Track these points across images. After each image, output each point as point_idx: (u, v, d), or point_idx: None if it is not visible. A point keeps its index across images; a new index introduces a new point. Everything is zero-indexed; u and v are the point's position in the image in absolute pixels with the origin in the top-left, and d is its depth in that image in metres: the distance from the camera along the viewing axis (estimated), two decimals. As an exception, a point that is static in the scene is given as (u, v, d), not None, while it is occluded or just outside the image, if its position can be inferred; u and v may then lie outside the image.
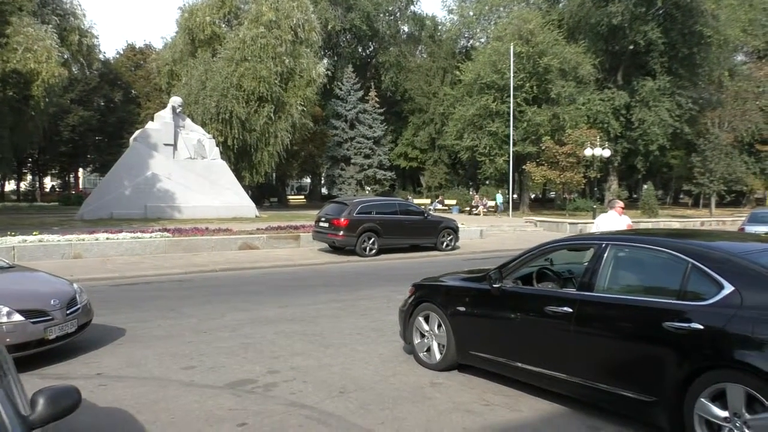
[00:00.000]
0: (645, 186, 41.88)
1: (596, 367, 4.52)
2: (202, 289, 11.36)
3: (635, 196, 55.37)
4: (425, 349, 6.13)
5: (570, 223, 25.48)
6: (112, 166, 27.62)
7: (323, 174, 52.99)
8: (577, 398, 4.81)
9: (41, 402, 2.26)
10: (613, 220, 9.61)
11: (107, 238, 16.02)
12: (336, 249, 17.38)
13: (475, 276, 5.88)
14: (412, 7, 55.74)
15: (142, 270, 13.56)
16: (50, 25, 29.00)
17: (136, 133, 27.12)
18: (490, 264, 13.80)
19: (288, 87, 34.92)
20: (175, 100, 27.48)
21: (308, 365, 6.20)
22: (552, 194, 58.29)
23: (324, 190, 57.71)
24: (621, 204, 9.98)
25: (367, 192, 42.25)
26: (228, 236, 17.90)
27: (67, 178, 70.25)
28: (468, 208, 37.37)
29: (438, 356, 5.95)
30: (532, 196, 53.00)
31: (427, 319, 6.13)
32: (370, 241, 16.83)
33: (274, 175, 44.49)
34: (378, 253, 16.92)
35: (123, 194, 24.97)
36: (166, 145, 26.42)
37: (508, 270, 5.42)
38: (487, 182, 42.19)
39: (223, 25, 36.92)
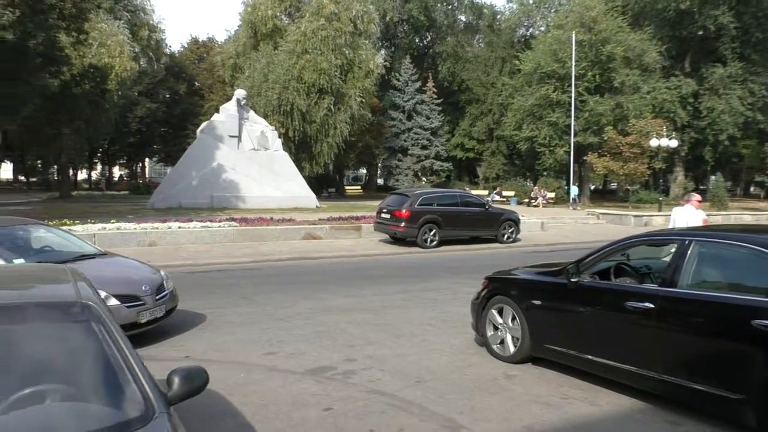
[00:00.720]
0: (713, 177, 40.25)
1: (679, 363, 4.51)
2: (271, 277, 11.75)
3: (702, 187, 53.31)
4: (498, 341, 6.22)
5: (634, 216, 24.89)
6: (176, 156, 28.70)
7: (380, 165, 53.30)
8: (656, 394, 4.81)
9: (176, 381, 2.50)
10: (689, 213, 9.39)
11: (179, 227, 16.72)
12: (397, 240, 17.55)
13: (551, 270, 5.92)
14: (469, -4, 55.24)
15: (213, 258, 14.10)
16: (122, 21, 30.35)
17: (203, 125, 28.04)
18: (554, 257, 13.76)
19: (347, 78, 35.34)
20: (240, 93, 28.23)
21: (383, 354, 6.39)
22: (613, 185, 56.83)
23: (380, 181, 58.13)
24: (698, 197, 9.76)
25: (422, 183, 42.27)
26: (292, 226, 18.35)
27: (134, 168, 73.17)
28: (527, 200, 36.92)
29: (512, 349, 6.03)
30: (592, 187, 51.80)
31: (500, 312, 6.21)
32: (431, 233, 16.91)
33: (331, 166, 45.11)
34: (439, 245, 16.99)
35: (190, 184, 25.91)
36: (231, 136, 27.22)
37: (586, 264, 5.43)
38: (545, 173, 41.45)
39: (285, 18, 37.60)
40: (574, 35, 32.26)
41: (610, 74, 34.23)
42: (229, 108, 27.87)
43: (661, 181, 41.98)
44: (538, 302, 5.72)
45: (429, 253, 16.34)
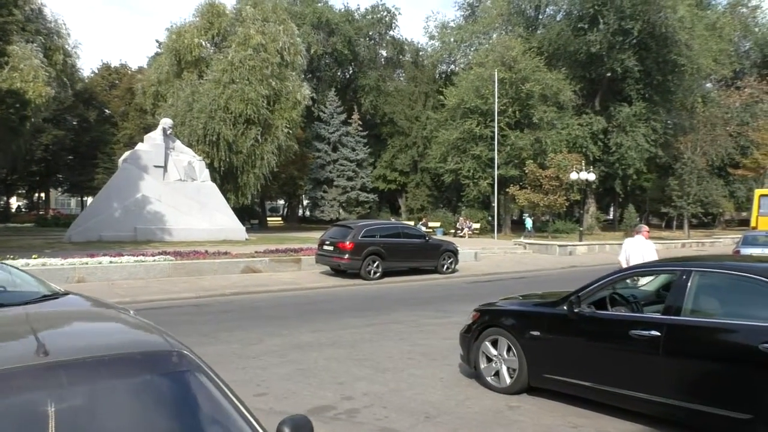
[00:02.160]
0: (618, 209, 42.75)
1: (688, 387, 4.73)
2: (224, 313, 11.30)
3: (609, 217, 56.74)
4: (493, 373, 6.26)
5: (559, 245, 25.99)
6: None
7: (303, 196, 52.88)
8: (662, 418, 4.99)
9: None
10: (641, 244, 9.91)
11: (110, 262, 15.78)
12: (339, 272, 17.38)
13: (547, 301, 6.07)
14: (391, 32, 56.70)
15: (153, 294, 13.39)
16: (35, 44, 28.67)
17: (126, 154, 26.84)
18: (498, 287, 14.10)
19: (274, 109, 35.01)
20: (166, 122, 27.31)
21: (378, 390, 6.26)
22: (525, 216, 59.25)
23: (302, 212, 57.53)
24: (646, 228, 10.33)
25: (342, 216, 42.22)
26: (230, 259, 17.78)
27: (36, 199, 68.57)
28: (452, 231, 37.71)
29: (508, 380, 6.08)
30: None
31: (494, 344, 6.26)
32: (375, 264, 16.91)
33: (254, 197, 44.19)
34: (381, 277, 17.00)
35: (112, 216, 24.60)
36: (156, 166, 26.22)
37: (586, 295, 5.61)
38: (461, 204, 42.43)
39: (210, 48, 36.90)
40: (496, 73, 33.69)
41: (529, 110, 35.97)
42: (155, 137, 26.89)
43: (580, 212, 44.21)
44: (536, 333, 5.83)
45: (373, 284, 16.29)
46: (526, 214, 36.65)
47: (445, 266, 18.68)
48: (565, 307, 5.64)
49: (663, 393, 4.83)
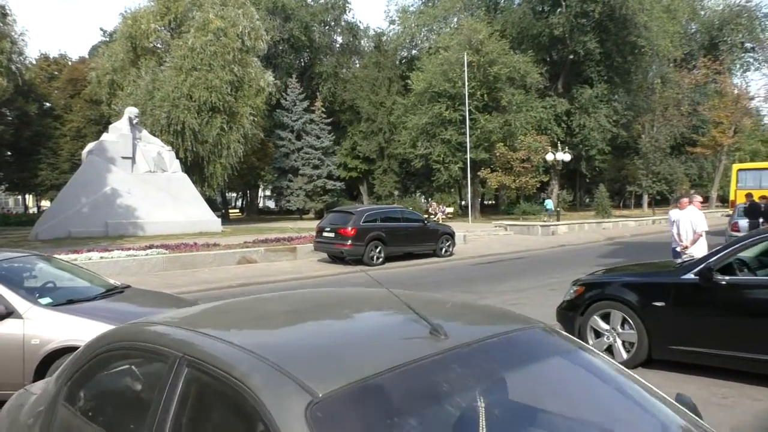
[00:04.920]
0: (574, 190, 43.48)
1: None
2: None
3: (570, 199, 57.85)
4: (604, 348, 6.00)
5: (541, 226, 26.20)
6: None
7: (263, 186, 51.57)
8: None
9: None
10: (693, 215, 9.73)
11: (101, 258, 14.83)
12: (337, 260, 16.89)
13: (670, 269, 5.86)
14: (345, 17, 55.76)
15: (156, 289, 12.57)
16: (-21, 31, 26.70)
17: (91, 145, 25.35)
18: (504, 267, 13.80)
19: (238, 96, 33.92)
20: (132, 111, 25.89)
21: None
22: (488, 201, 59.88)
23: (263, 203, 56.16)
24: (700, 198, 10.22)
25: (309, 206, 41.60)
26: (224, 251, 17.03)
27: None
28: (425, 215, 37.54)
29: (624, 354, 5.84)
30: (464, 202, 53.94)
31: (605, 318, 6.01)
32: (377, 250, 16.55)
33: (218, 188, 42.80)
34: (384, 262, 16.64)
35: (80, 212, 23.20)
36: (123, 158, 24.88)
37: (716, 262, 5.40)
38: (418, 191, 42.19)
39: (167, 33, 35.32)
40: (465, 56, 33.54)
41: (497, 93, 36.01)
42: (121, 127, 25.48)
43: (542, 195, 44.82)
44: (660, 303, 5.59)
45: (379, 270, 15.85)
46: (545, 196, 36.58)
47: (444, 249, 18.48)
48: (693, 275, 5.43)
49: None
